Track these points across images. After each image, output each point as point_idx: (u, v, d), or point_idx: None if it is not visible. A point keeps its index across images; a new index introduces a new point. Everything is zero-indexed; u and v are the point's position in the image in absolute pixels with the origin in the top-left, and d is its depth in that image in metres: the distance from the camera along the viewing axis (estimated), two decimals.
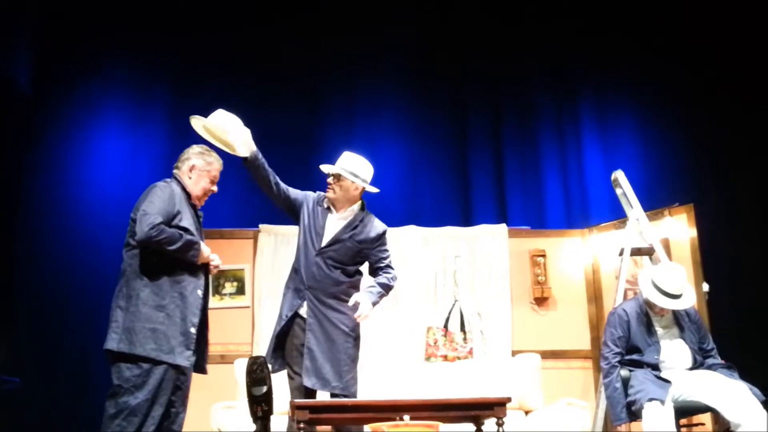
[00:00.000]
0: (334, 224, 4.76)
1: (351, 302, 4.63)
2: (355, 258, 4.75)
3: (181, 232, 4.19)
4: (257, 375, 4.23)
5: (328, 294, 4.66)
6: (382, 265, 4.80)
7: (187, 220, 4.28)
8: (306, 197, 4.86)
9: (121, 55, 7.25)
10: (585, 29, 7.69)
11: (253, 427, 4.24)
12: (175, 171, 4.48)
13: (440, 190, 7.49)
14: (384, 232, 4.82)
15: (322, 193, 4.86)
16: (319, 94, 7.53)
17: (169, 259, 4.20)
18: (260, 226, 6.57)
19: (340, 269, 4.71)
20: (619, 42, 7.61)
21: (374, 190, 4.83)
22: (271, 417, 4.26)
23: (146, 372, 4.10)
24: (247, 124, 7.20)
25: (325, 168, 4.85)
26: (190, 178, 4.44)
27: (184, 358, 4.19)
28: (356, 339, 4.74)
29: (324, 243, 4.71)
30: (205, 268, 4.39)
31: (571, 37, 7.71)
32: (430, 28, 7.68)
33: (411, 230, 6.68)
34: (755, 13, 7.28)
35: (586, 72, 7.81)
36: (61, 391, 6.51)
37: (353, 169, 4.74)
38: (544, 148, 7.65)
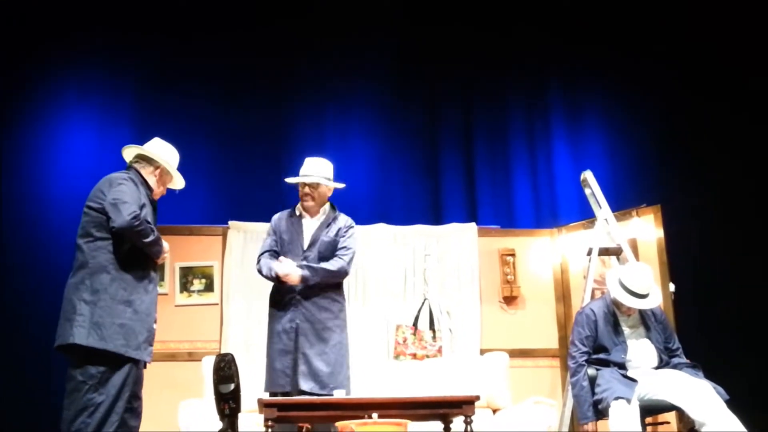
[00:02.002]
0: (310, 227, 4.93)
1: (280, 259, 4.77)
2: (335, 252, 4.88)
3: (152, 227, 4.19)
4: (225, 372, 4.22)
5: (317, 294, 4.78)
6: (338, 253, 4.88)
7: (149, 216, 4.27)
8: (275, 225, 5.02)
9: (89, 50, 7.15)
10: (555, 31, 7.73)
11: (220, 424, 4.21)
12: (136, 164, 4.43)
13: (410, 188, 7.50)
14: (351, 225, 5.00)
15: (287, 211, 5.04)
16: (291, 91, 7.49)
17: (134, 254, 4.17)
18: (229, 222, 6.52)
19: None
20: (588, 43, 7.66)
21: (342, 186, 5.07)
22: (239, 414, 4.24)
23: (111, 368, 4.06)
24: (217, 120, 7.25)
25: (299, 180, 4.96)
26: (154, 176, 4.43)
27: (148, 354, 4.21)
28: (345, 335, 4.86)
29: (305, 247, 4.86)
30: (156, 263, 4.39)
31: (540, 39, 7.75)
32: (403, 27, 7.66)
33: (381, 228, 6.68)
34: (724, 12, 7.37)
35: (555, 73, 7.86)
36: (27, 385, 6.41)
37: (326, 174, 4.96)
38: (514, 147, 7.69)
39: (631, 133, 7.61)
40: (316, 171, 4.93)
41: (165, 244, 4.32)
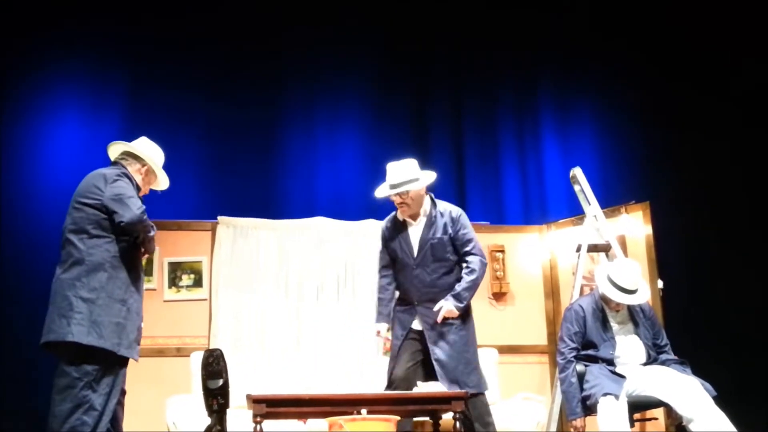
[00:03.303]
0: (416, 232, 4.83)
1: (435, 308, 4.72)
2: (447, 249, 4.80)
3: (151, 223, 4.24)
4: (213, 368, 4.20)
5: (435, 300, 4.76)
6: (467, 249, 4.80)
7: None
8: (384, 235, 4.94)
9: (77, 41, 7.09)
10: (545, 28, 7.74)
11: (209, 420, 4.21)
12: (122, 161, 4.41)
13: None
14: (458, 215, 4.86)
15: (389, 218, 4.95)
16: (280, 86, 7.46)
17: (128, 253, 4.19)
18: (219, 217, 6.50)
19: (440, 269, 4.79)
20: (578, 41, 7.67)
21: (433, 175, 4.88)
22: (227, 410, 4.23)
23: (105, 366, 4.07)
24: (206, 115, 7.21)
25: (384, 193, 4.81)
26: (140, 174, 4.41)
27: (136, 353, 4.22)
28: (469, 330, 4.86)
29: (415, 254, 4.79)
30: None
31: (530, 36, 7.76)
32: (392, 27, 7.64)
33: (370, 224, 6.66)
34: (718, 11, 7.40)
35: (545, 70, 7.87)
36: (9, 385, 6.37)
37: (411, 175, 4.74)
38: (503, 144, 7.69)
39: (620, 130, 7.63)
40: (401, 176, 4.73)
41: None
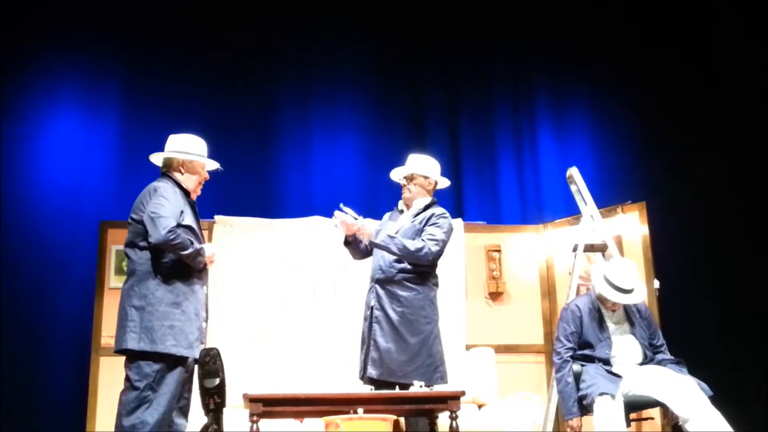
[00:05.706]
0: (403, 219, 4.92)
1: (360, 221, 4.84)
2: (414, 238, 4.75)
3: (192, 239, 4.30)
4: (210, 367, 4.22)
5: (393, 282, 4.72)
6: (422, 236, 4.74)
7: (188, 218, 4.38)
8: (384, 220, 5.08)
9: (72, 38, 7.09)
10: (541, 27, 7.74)
11: (205, 419, 4.21)
12: (164, 170, 4.52)
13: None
14: (442, 214, 4.85)
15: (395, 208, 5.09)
16: (276, 85, 7.45)
17: (179, 261, 4.29)
18: (215, 217, 6.49)
19: None
20: (573, 40, 7.68)
21: (446, 182, 5.08)
22: (224, 409, 4.24)
23: (166, 367, 4.20)
24: (203, 113, 7.19)
25: (398, 172, 5.06)
26: (182, 173, 4.50)
27: (198, 352, 4.33)
28: (429, 324, 4.70)
29: (392, 234, 4.79)
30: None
31: (526, 36, 7.76)
32: (388, 25, 7.64)
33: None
34: (715, 7, 7.42)
35: (541, 70, 7.87)
36: (8, 389, 6.36)
37: (422, 166, 4.96)
38: (500, 143, 7.69)
39: (616, 129, 7.63)
40: (412, 163, 4.98)
41: (209, 250, 4.42)
